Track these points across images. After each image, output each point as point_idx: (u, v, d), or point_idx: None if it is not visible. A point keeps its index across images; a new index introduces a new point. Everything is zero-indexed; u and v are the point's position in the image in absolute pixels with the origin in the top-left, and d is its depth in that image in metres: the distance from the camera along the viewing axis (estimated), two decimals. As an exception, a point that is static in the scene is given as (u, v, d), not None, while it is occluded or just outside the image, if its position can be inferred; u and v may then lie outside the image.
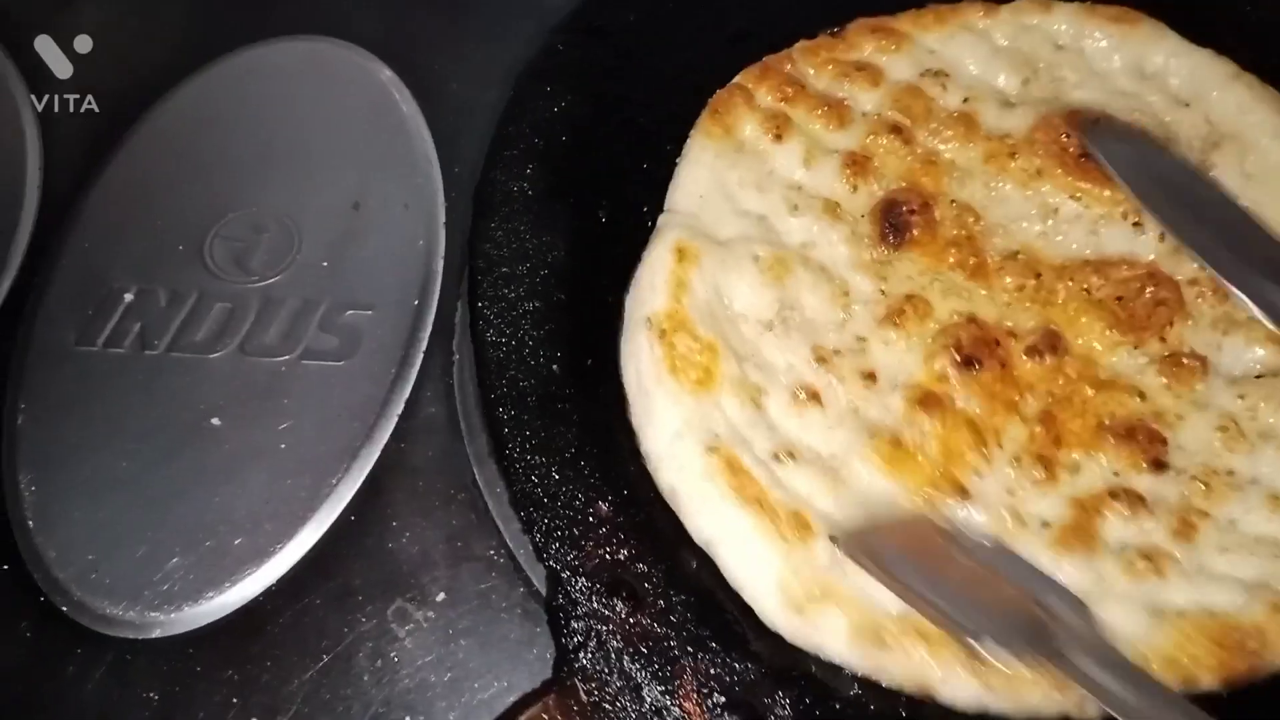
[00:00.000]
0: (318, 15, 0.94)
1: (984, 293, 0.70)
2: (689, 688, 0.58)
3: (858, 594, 0.59)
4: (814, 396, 0.66)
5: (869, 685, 0.58)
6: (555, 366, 0.67)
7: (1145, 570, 0.59)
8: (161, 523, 0.71)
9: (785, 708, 0.57)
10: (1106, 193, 0.71)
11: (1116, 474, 0.63)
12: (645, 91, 0.77)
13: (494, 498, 0.69)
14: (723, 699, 0.57)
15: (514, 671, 0.66)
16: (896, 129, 0.75)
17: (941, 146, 0.75)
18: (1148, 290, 0.68)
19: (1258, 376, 0.66)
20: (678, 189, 0.73)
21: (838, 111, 0.76)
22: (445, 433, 0.74)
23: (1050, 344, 0.67)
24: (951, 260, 0.71)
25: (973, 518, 0.62)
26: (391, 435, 0.74)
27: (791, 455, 0.64)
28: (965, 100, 0.76)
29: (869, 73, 0.78)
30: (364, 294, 0.79)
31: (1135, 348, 0.67)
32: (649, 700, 0.57)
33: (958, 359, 0.66)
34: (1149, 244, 0.70)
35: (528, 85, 0.77)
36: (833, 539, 0.60)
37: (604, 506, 0.63)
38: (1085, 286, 0.69)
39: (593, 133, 0.76)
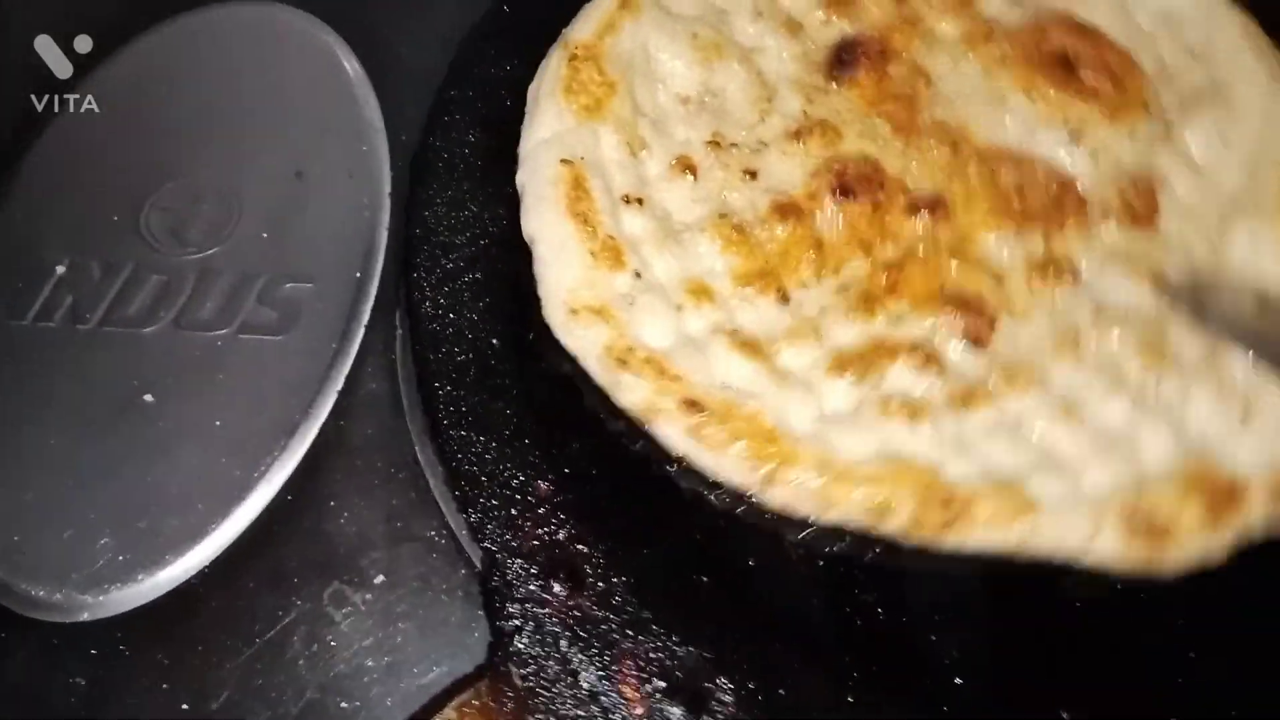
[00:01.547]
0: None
1: (898, 146, 0.71)
2: (628, 672, 0.56)
3: (627, 325, 0.62)
4: (690, 169, 0.69)
5: (813, 668, 0.56)
6: (495, 340, 0.65)
7: (899, 411, 0.60)
8: (91, 502, 0.68)
9: (728, 693, 0.55)
10: (1065, 102, 0.70)
11: (935, 331, 0.64)
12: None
13: (435, 476, 0.67)
14: (663, 684, 0.56)
15: (454, 656, 0.64)
16: None
17: (928, 12, 0.75)
18: (1050, 186, 0.68)
19: (1121, 310, 0.64)
20: None
21: None
22: (387, 409, 0.72)
23: (932, 205, 0.68)
24: (885, 109, 0.72)
25: (777, 318, 0.64)
26: (331, 412, 0.71)
27: (640, 202, 0.67)
28: None
29: None
30: (305, 266, 0.76)
31: (1015, 236, 0.67)
32: (586, 685, 0.55)
33: (836, 184, 0.68)
34: (1078, 158, 0.69)
35: (470, 48, 0.74)
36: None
37: (544, 485, 0.61)
38: (994, 170, 0.69)
39: (538, 97, 0.73)
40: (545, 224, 0.65)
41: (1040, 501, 0.58)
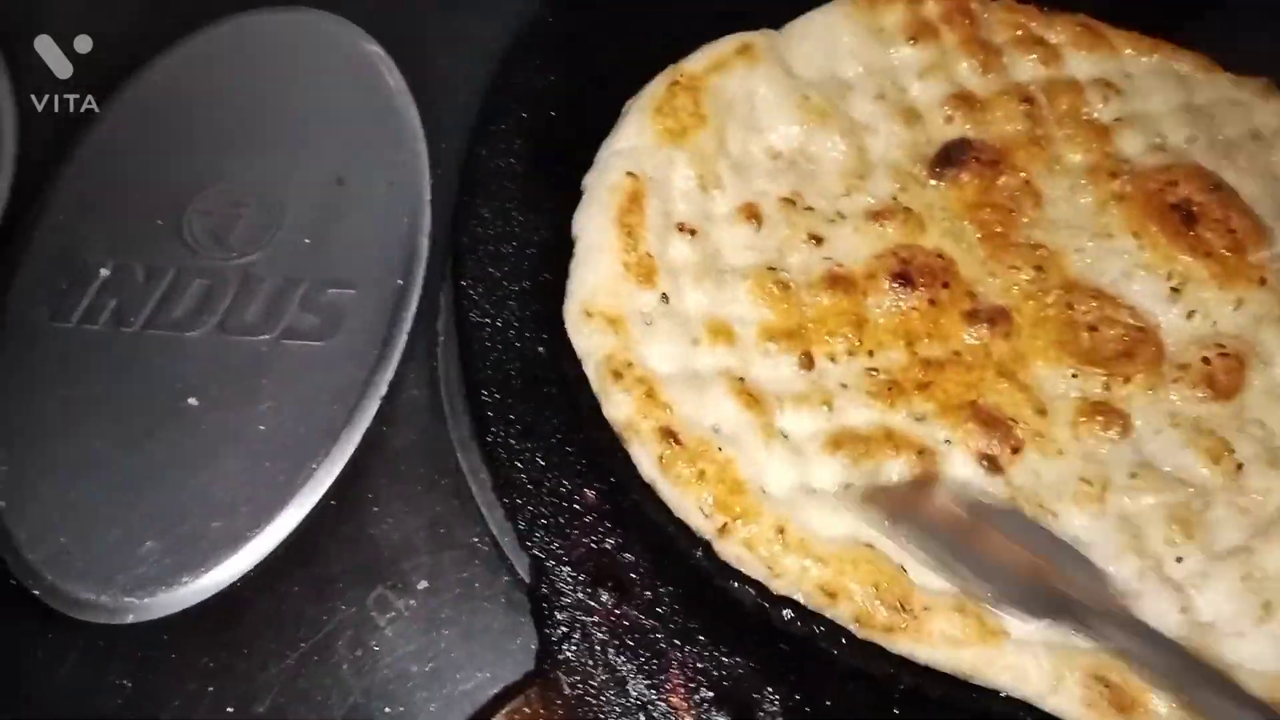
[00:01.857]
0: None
1: (981, 255, 0.70)
2: (676, 681, 0.56)
3: (636, 341, 0.63)
4: (756, 218, 0.70)
5: (859, 681, 0.56)
6: (541, 349, 0.66)
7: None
8: (136, 505, 0.68)
9: (774, 703, 0.56)
10: (1174, 253, 0.69)
11: (948, 441, 0.63)
12: (634, 65, 0.75)
13: (478, 483, 0.67)
14: (711, 693, 0.56)
15: (497, 662, 0.64)
16: (1029, 100, 0.75)
17: (1059, 136, 0.74)
18: (1122, 332, 0.67)
19: (1165, 476, 0.63)
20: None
21: (989, 58, 0.77)
22: (428, 416, 0.72)
23: (994, 318, 0.67)
24: (981, 216, 0.71)
25: (792, 380, 0.64)
26: (373, 418, 0.72)
27: (694, 233, 0.68)
28: (1116, 120, 0.75)
29: (1047, 52, 0.77)
30: (347, 272, 0.77)
31: (1074, 376, 0.66)
32: (634, 694, 0.56)
33: (897, 270, 0.68)
34: (1170, 313, 0.68)
35: (515, 59, 0.75)
36: (841, 493, 0.60)
37: (590, 494, 0.61)
38: (1074, 306, 0.68)
39: (582, 106, 0.74)
40: (591, 225, 0.67)
41: (1007, 634, 0.57)
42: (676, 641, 0.57)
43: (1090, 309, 0.68)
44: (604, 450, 0.62)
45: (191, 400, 0.72)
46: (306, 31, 0.89)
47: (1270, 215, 0.71)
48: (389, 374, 0.73)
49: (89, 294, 0.76)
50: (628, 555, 0.59)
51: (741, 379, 0.63)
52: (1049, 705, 0.56)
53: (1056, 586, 0.56)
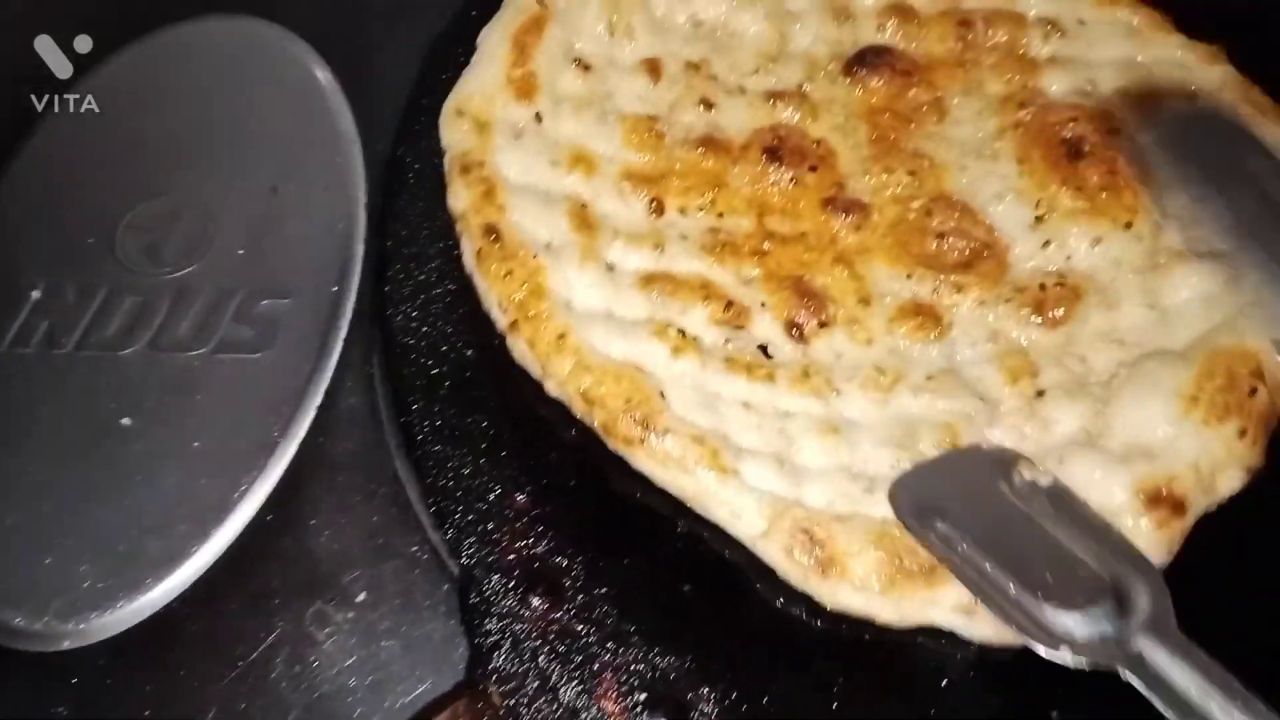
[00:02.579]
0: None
1: (864, 153, 0.71)
2: (609, 685, 0.55)
3: (496, 149, 0.67)
4: (655, 73, 0.72)
5: (797, 675, 0.55)
6: (470, 351, 0.65)
7: (670, 339, 0.62)
8: (71, 529, 0.67)
9: (710, 702, 0.54)
10: (1053, 188, 0.68)
11: (763, 304, 0.64)
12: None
13: (415, 491, 0.66)
14: (644, 695, 0.55)
15: (438, 673, 0.62)
16: (967, 24, 0.76)
17: (986, 64, 0.74)
18: (969, 245, 0.67)
19: (961, 385, 0.62)
20: None
21: None
22: (366, 424, 0.71)
23: (851, 208, 0.68)
24: (878, 119, 0.72)
25: (634, 219, 0.67)
26: (310, 429, 0.71)
27: (588, 69, 0.71)
28: (1050, 59, 0.74)
29: None
30: (281, 281, 0.76)
31: (909, 277, 0.66)
32: (566, 700, 0.54)
33: (770, 144, 0.70)
34: (1027, 239, 0.67)
35: (439, 55, 0.73)
36: (890, 496, 0.57)
37: (521, 498, 0.60)
38: (932, 214, 0.68)
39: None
40: (488, 36, 0.71)
41: (738, 474, 0.58)
42: (610, 645, 0.56)
43: (948, 219, 0.68)
44: (536, 451, 0.61)
45: (125, 420, 0.71)
46: (243, 39, 0.88)
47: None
48: (325, 383, 0.72)
49: (20, 317, 0.75)
50: (560, 559, 0.58)
51: (584, 206, 0.67)
52: (758, 549, 0.57)
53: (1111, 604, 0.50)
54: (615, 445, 0.59)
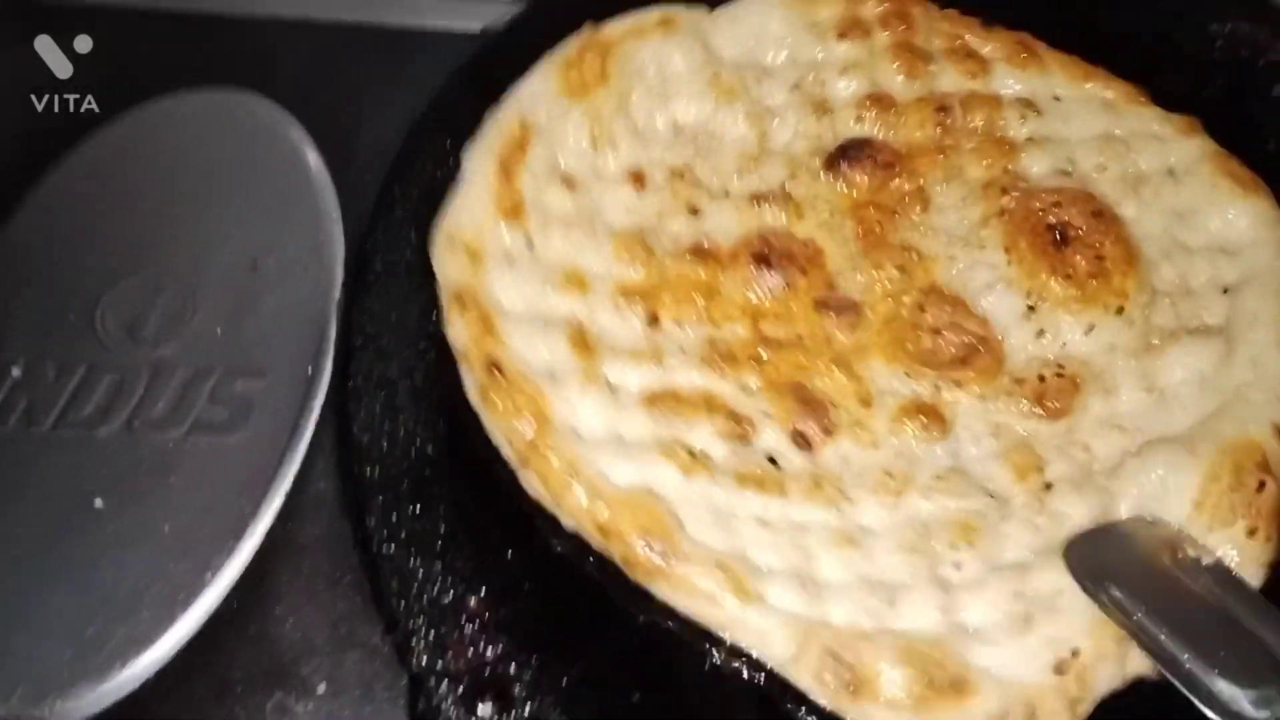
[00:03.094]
0: (229, 67, 0.91)
1: (852, 250, 0.71)
2: (554, 799, 0.54)
3: (489, 275, 0.66)
4: (640, 182, 0.72)
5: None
6: (430, 448, 0.65)
7: (679, 458, 0.62)
8: (40, 612, 0.68)
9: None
10: (1042, 276, 0.68)
11: (767, 415, 0.64)
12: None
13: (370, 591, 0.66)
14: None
15: (395, 768, 0.63)
16: (944, 110, 0.75)
17: (966, 149, 0.74)
18: (964, 340, 0.67)
19: (970, 483, 0.63)
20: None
21: (916, 64, 0.77)
22: (334, 509, 0.71)
23: (843, 309, 0.68)
24: (863, 214, 0.72)
25: (632, 335, 0.66)
26: (278, 514, 0.71)
27: (573, 186, 0.71)
28: (1029, 139, 0.74)
29: (978, 65, 0.77)
30: (258, 361, 0.76)
31: (907, 375, 0.66)
32: (511, 814, 0.54)
33: (761, 251, 0.69)
34: (1021, 329, 0.67)
35: (415, 143, 0.73)
36: (1065, 556, 0.58)
37: (474, 601, 0.60)
38: (925, 310, 0.68)
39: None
40: (473, 159, 0.70)
41: (762, 599, 0.57)
42: (558, 757, 0.55)
43: (941, 314, 0.68)
44: (490, 554, 0.61)
45: (98, 501, 0.71)
46: (227, 112, 0.89)
47: (1160, 251, 0.70)
48: (295, 467, 0.72)
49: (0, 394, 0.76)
50: (511, 664, 0.58)
51: (582, 327, 0.66)
52: (789, 673, 0.57)
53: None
54: (638, 578, 0.58)
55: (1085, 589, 0.56)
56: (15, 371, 0.77)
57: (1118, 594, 0.55)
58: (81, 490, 0.72)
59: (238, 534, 0.70)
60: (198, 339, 0.78)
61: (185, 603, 0.68)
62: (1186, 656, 0.52)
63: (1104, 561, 0.58)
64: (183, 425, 0.74)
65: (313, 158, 0.85)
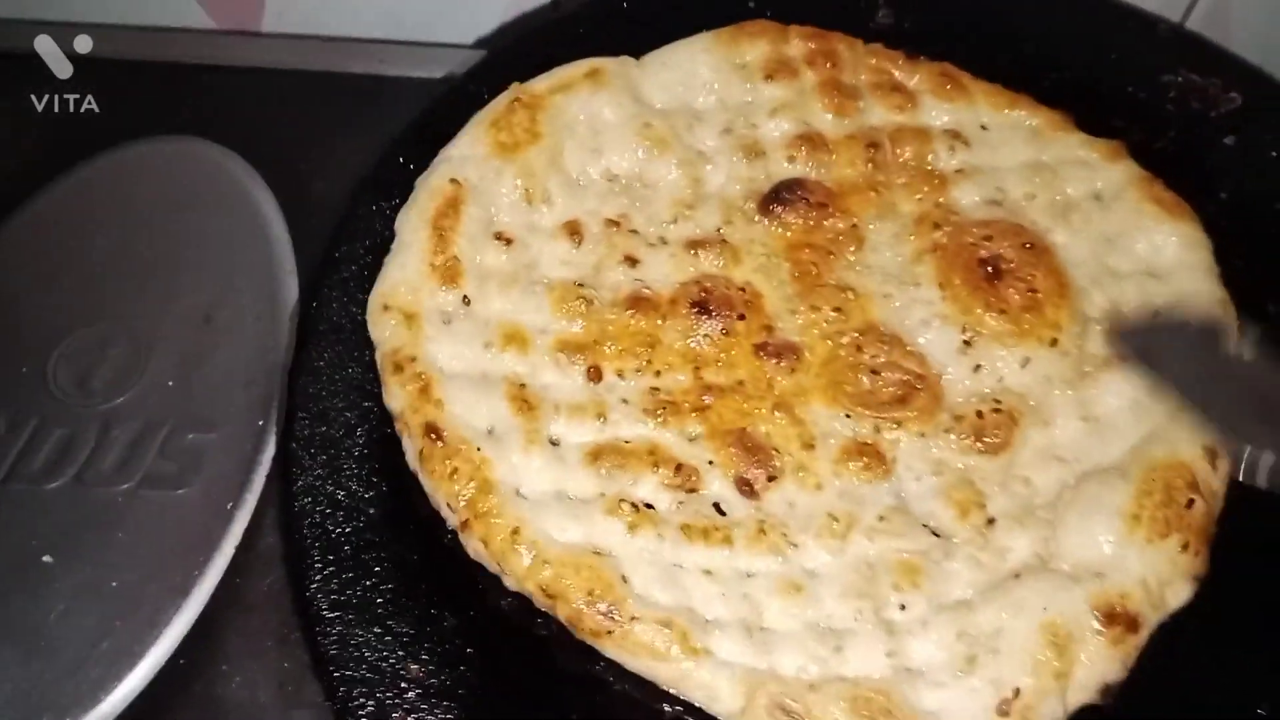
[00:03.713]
0: (189, 115, 0.92)
1: (789, 291, 0.71)
2: None
3: (427, 339, 0.66)
4: (576, 235, 0.72)
5: None
6: (373, 510, 0.65)
7: (625, 514, 0.62)
8: (-15, 672, 0.68)
9: None
10: (977, 311, 0.69)
11: (710, 462, 0.64)
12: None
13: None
14: None
15: (339, 832, 0.63)
16: (875, 146, 0.76)
17: (898, 184, 0.75)
18: (902, 378, 0.68)
19: (912, 522, 0.64)
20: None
21: (844, 102, 0.78)
22: (283, 565, 0.72)
23: (783, 353, 0.69)
24: (799, 255, 0.72)
25: (574, 390, 0.67)
26: (227, 569, 0.71)
27: (509, 243, 0.71)
28: (958, 171, 0.75)
29: (905, 99, 0.78)
30: (208, 414, 0.77)
31: (847, 417, 0.66)
32: None
33: (697, 298, 0.69)
34: (958, 365, 0.69)
35: (362, 201, 0.74)
36: (1117, 338, 0.64)
37: (415, 667, 0.60)
38: (863, 350, 0.68)
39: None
40: (406, 224, 0.70)
41: (709, 654, 0.58)
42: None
43: (879, 353, 0.69)
44: (431, 619, 0.61)
45: (47, 557, 0.72)
46: (186, 161, 0.90)
47: (1089, 278, 0.71)
48: (244, 522, 0.73)
49: (-51, 450, 0.76)
50: (450, 731, 0.58)
51: (523, 385, 0.66)
52: None
53: None
54: (583, 637, 0.59)
55: (1140, 371, 0.61)
56: (-35, 426, 0.76)
57: (1169, 373, 0.60)
58: (30, 546, 0.72)
59: (185, 590, 0.70)
60: (149, 391, 0.78)
61: (133, 660, 0.68)
62: (1234, 431, 0.59)
63: (1155, 345, 0.64)
64: (132, 479, 0.74)
65: (270, 208, 0.86)
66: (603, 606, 0.59)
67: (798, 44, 0.79)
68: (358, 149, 0.89)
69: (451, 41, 1.00)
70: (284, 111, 0.93)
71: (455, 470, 0.62)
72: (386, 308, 0.67)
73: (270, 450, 0.75)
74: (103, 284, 0.83)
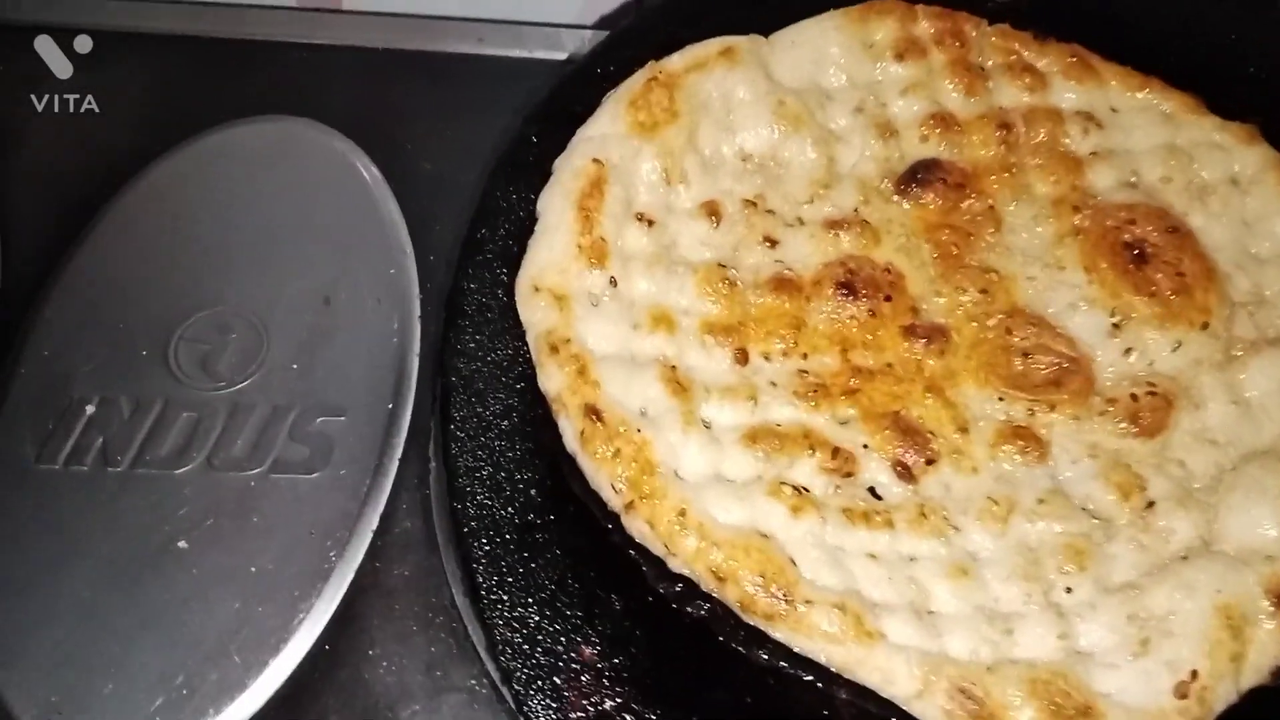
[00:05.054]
0: (285, 94, 0.91)
1: (932, 273, 0.71)
2: None
3: (578, 320, 0.65)
4: (715, 215, 0.71)
5: None
6: (534, 491, 0.64)
7: (787, 498, 0.61)
8: (128, 657, 0.67)
9: None
10: (1126, 296, 0.69)
11: (865, 446, 0.64)
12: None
13: (472, 622, 0.65)
14: None
15: (499, 815, 0.63)
16: (1007, 127, 0.75)
17: (1031, 165, 0.74)
18: (1055, 361, 0.67)
19: (1072, 505, 0.63)
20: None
21: (974, 82, 0.77)
22: (422, 549, 0.71)
23: (932, 335, 0.68)
24: (939, 236, 0.72)
25: (724, 373, 0.66)
26: (366, 554, 0.71)
27: (650, 223, 0.70)
28: (1092, 153, 0.75)
29: (1035, 79, 0.77)
30: (336, 398, 0.76)
31: (1000, 400, 0.66)
32: None
33: (843, 279, 0.69)
34: (1108, 348, 0.68)
35: (500, 181, 0.73)
36: None
37: (588, 650, 0.60)
38: (1012, 332, 0.68)
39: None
40: (551, 205, 0.69)
41: (883, 637, 0.58)
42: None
43: (1028, 335, 0.68)
44: (599, 601, 0.61)
45: (181, 543, 0.71)
46: (290, 141, 0.88)
47: (1231, 262, 0.71)
48: (381, 505, 0.72)
49: (75, 433, 0.74)
50: (627, 716, 0.58)
51: (674, 367, 0.66)
52: (915, 709, 0.57)
53: None
54: (755, 620, 0.58)
55: None
56: (90, 408, 0.76)
57: None
58: (164, 531, 0.71)
59: (325, 575, 0.70)
60: (273, 375, 0.77)
61: (276, 647, 0.68)
62: None
63: None
64: (263, 464, 0.73)
65: (380, 188, 0.85)
66: (776, 589, 0.58)
67: (925, 24, 0.78)
68: (465, 129, 0.88)
69: (544, 20, 0.99)
70: (387, 92, 0.91)
71: (618, 451, 0.61)
72: (537, 289, 0.66)
73: (403, 434, 0.74)
74: (215, 267, 0.82)
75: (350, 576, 0.70)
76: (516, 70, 0.92)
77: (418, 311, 0.79)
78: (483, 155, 0.82)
